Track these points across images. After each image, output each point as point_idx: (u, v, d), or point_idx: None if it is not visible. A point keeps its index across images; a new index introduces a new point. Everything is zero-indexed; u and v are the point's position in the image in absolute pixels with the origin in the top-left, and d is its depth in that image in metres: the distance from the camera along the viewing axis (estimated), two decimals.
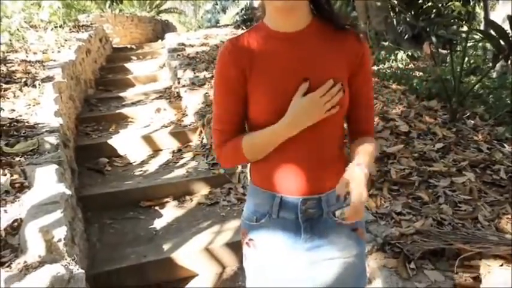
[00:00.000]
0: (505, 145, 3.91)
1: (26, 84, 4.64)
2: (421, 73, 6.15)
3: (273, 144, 1.35)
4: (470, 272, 2.42)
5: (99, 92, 6.36)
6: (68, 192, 2.68)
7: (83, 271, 2.14)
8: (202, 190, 3.61)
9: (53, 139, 3.42)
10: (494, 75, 6.66)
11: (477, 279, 2.38)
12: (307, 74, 1.32)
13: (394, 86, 5.40)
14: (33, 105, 4.17)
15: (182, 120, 4.79)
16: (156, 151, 4.32)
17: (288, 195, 1.39)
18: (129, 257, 2.76)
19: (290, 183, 1.38)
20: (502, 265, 2.45)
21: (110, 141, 4.36)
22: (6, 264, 2.18)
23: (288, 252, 1.41)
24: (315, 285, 1.42)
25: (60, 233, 2.27)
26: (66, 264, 2.16)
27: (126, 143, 4.34)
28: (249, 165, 1.50)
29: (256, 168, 1.44)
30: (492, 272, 2.40)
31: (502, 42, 4.19)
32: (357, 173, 1.24)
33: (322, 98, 1.30)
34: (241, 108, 1.38)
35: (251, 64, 1.33)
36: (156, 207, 3.40)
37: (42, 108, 4.10)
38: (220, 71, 1.36)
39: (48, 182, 2.78)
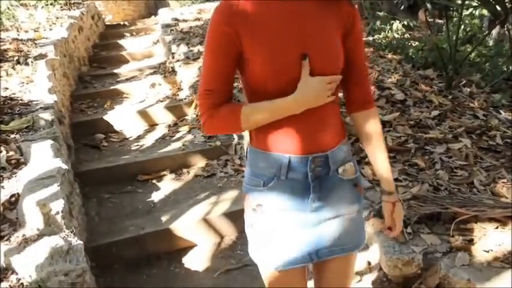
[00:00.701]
0: (501, 112, 3.91)
1: (18, 62, 4.60)
2: (416, 43, 6.10)
3: (274, 118, 1.35)
4: (466, 235, 2.44)
5: (93, 69, 6.31)
6: (64, 166, 2.68)
7: (82, 242, 2.15)
8: (199, 162, 3.61)
9: (47, 115, 3.41)
10: (490, 43, 6.61)
11: (473, 241, 2.40)
12: (303, 33, 1.32)
13: (389, 56, 5.37)
14: (27, 83, 4.14)
15: (177, 95, 4.76)
16: (152, 125, 4.31)
17: (296, 155, 1.39)
18: (128, 229, 2.77)
19: (298, 142, 1.38)
20: (497, 228, 2.47)
21: (105, 117, 4.34)
22: (6, 238, 2.20)
23: (296, 214, 1.43)
24: (323, 243, 1.46)
25: (57, 206, 2.28)
26: (64, 236, 2.17)
27: (122, 119, 4.33)
28: (247, 132, 1.48)
29: (260, 132, 1.41)
30: (487, 235, 2.42)
31: (498, 8, 4.15)
32: (399, 212, 1.56)
33: (330, 84, 1.35)
34: (233, 70, 1.37)
35: (245, 24, 1.31)
36: (154, 181, 3.41)
37: (35, 85, 4.07)
38: (214, 29, 1.34)
39: (44, 157, 2.77)
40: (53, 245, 2.05)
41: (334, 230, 1.47)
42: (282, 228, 1.43)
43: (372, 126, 1.51)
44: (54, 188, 2.40)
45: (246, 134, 3.51)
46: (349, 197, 1.50)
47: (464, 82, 4.56)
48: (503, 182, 2.90)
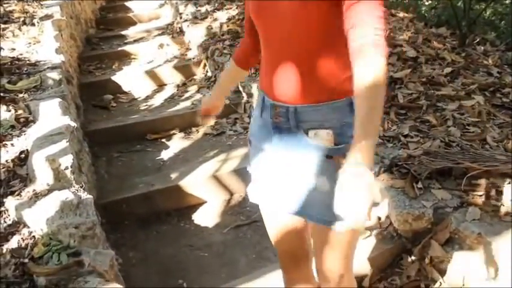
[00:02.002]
0: None
1: (24, 23, 4.55)
2: (429, 1, 5.95)
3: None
4: (478, 190, 2.41)
5: (100, 31, 6.24)
6: (73, 124, 2.67)
7: (91, 196, 2.16)
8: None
9: (55, 75, 3.39)
10: (507, 0, 6.42)
11: (484, 196, 2.38)
12: None
13: (401, 14, 5.24)
14: (34, 44, 4.11)
15: (186, 55, 4.71)
16: (161, 86, 4.28)
17: (267, 96, 1.40)
18: (138, 187, 2.78)
19: (268, 84, 1.39)
20: (509, 183, 2.44)
21: (113, 78, 4.31)
22: (16, 193, 2.21)
23: (269, 158, 1.44)
24: (292, 199, 1.39)
25: (66, 161, 2.28)
26: (74, 191, 2.18)
27: (130, 79, 4.29)
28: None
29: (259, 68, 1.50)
30: (499, 190, 2.40)
31: None
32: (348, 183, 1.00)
33: None
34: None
35: None
36: (163, 140, 3.40)
37: (42, 46, 4.03)
38: None
39: (52, 115, 2.77)
40: (63, 199, 2.05)
41: (297, 192, 1.38)
42: (258, 164, 1.48)
43: (363, 89, 1.10)
44: (63, 144, 2.40)
45: (255, 92, 3.47)
46: (315, 166, 1.33)
47: (478, 40, 4.45)
48: None
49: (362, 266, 2.21)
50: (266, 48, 1.38)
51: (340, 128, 1.31)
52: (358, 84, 1.10)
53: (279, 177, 1.41)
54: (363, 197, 0.96)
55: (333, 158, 1.31)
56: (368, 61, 1.09)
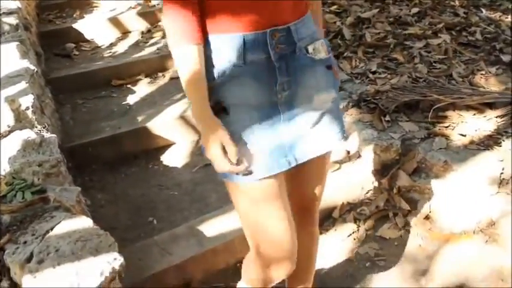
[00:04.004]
0: (482, 10, 3.83)
1: None
2: None
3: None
4: (444, 122, 2.45)
5: None
6: (33, 67, 2.57)
7: (55, 135, 2.09)
8: (174, 66, 3.51)
9: (12, 20, 3.23)
10: None
11: (450, 128, 2.42)
12: None
13: None
14: None
15: (150, 1, 4.55)
16: (125, 33, 4.13)
17: (251, 32, 1.18)
18: (104, 130, 2.71)
19: (252, 15, 1.17)
20: (474, 115, 2.49)
21: (75, 26, 4.14)
22: None
23: (264, 109, 1.23)
24: (299, 141, 1.28)
25: (27, 101, 2.20)
26: (37, 132, 2.11)
27: (93, 27, 4.13)
28: None
29: (207, 15, 1.19)
30: (465, 122, 2.44)
31: None
32: None
33: None
34: None
35: None
36: (128, 85, 3.31)
37: None
38: None
39: (10, 58, 2.65)
40: (24, 138, 1.99)
41: (310, 124, 1.29)
42: (251, 129, 1.23)
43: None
44: (23, 84, 2.31)
45: None
46: (324, 82, 1.29)
47: None
48: (481, 74, 2.90)
49: (331, 197, 2.23)
50: None
51: (323, 38, 1.32)
52: None
53: (287, 123, 1.26)
54: None
55: (332, 68, 1.32)
56: None
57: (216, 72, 1.21)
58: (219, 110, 1.22)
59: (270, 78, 1.22)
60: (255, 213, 1.31)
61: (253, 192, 1.27)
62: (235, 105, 1.22)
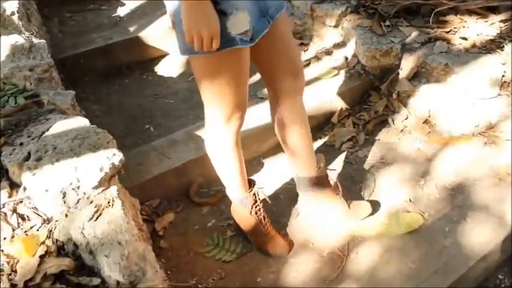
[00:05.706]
0: None
1: None
2: None
3: None
4: (445, 27, 2.38)
5: None
6: None
7: (44, 41, 2.02)
8: None
9: None
10: None
11: (451, 32, 2.35)
12: None
13: None
14: None
15: None
16: None
17: None
18: (95, 41, 2.62)
19: None
20: (477, 20, 2.41)
21: None
22: None
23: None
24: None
25: (11, 6, 2.10)
26: (25, 38, 2.03)
27: None
28: None
29: None
30: (467, 26, 2.37)
31: None
32: None
33: None
34: None
35: None
36: None
37: None
38: None
39: None
40: (12, 42, 1.91)
41: None
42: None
43: None
44: None
45: None
46: None
47: None
48: None
49: (330, 103, 2.21)
50: None
51: None
52: None
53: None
54: None
55: None
56: None
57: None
58: None
59: None
60: (226, 78, 1.36)
61: (232, 58, 1.31)
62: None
